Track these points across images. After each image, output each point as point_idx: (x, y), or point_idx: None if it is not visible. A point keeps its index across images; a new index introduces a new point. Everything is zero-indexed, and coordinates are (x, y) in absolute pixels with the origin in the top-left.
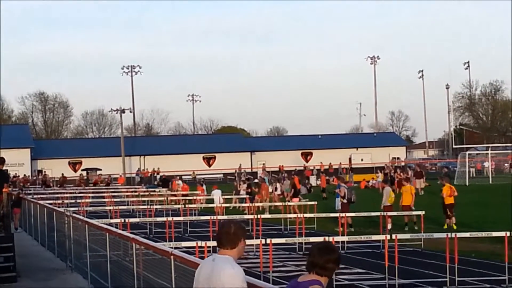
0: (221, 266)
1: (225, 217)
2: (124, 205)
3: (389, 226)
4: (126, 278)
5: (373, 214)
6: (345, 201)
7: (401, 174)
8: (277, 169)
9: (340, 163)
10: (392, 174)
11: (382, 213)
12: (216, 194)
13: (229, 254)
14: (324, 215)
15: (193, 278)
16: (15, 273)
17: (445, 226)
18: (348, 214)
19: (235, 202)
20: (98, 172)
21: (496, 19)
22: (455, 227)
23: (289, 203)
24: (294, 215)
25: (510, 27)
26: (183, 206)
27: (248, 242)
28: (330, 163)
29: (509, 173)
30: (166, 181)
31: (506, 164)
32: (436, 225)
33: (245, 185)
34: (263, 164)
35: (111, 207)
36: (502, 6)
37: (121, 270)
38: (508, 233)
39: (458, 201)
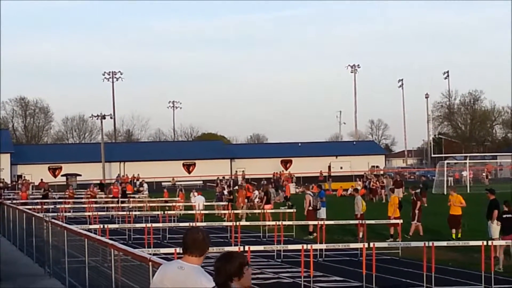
0: (198, 278)
1: (204, 224)
2: (104, 211)
3: (361, 235)
4: (104, 284)
5: (351, 222)
6: (310, 208)
7: (377, 182)
8: (256, 176)
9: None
10: (369, 182)
11: (360, 222)
12: (199, 200)
13: (196, 262)
14: (302, 222)
15: None
16: None
17: (454, 236)
18: (327, 222)
19: (217, 209)
20: (78, 177)
21: (476, 29)
22: (460, 235)
23: (263, 210)
24: (271, 223)
25: (489, 38)
26: (162, 212)
27: (226, 249)
28: (321, 171)
29: (486, 183)
30: (102, 186)
31: (483, 174)
32: (414, 234)
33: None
34: (243, 171)
35: (90, 213)
36: (482, 16)
37: (99, 276)
38: (485, 243)
39: (436, 210)
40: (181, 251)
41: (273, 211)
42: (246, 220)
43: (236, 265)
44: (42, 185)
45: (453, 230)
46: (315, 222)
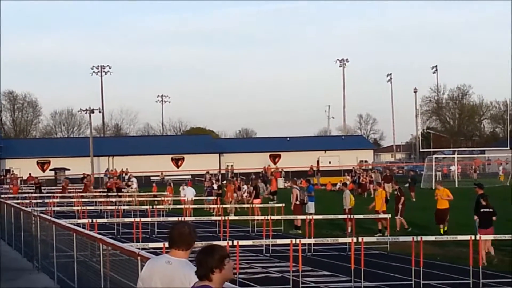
0: (185, 271)
1: (193, 218)
2: (92, 205)
3: (349, 229)
4: (93, 278)
5: (339, 216)
6: (298, 202)
7: (366, 178)
8: (245, 170)
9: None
10: (358, 177)
11: (349, 216)
12: (189, 192)
13: (183, 256)
14: (291, 217)
15: None
16: None
17: (441, 231)
18: (315, 216)
19: (206, 203)
20: (67, 172)
21: (464, 24)
22: (446, 228)
23: (253, 205)
24: (260, 217)
25: (478, 32)
26: (151, 207)
27: (215, 243)
28: (312, 166)
29: (474, 177)
30: (84, 179)
31: (472, 168)
32: (403, 229)
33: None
34: (231, 165)
35: (79, 207)
36: (471, 11)
37: (88, 271)
38: (473, 237)
39: (424, 204)
40: (168, 246)
41: (261, 205)
42: (234, 215)
43: (217, 258)
44: (30, 179)
45: (440, 226)
46: (304, 217)
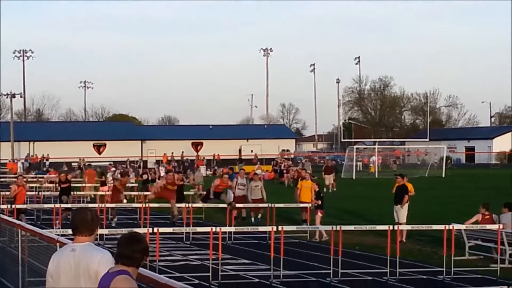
0: (90, 253)
1: (113, 205)
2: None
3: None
4: (10, 264)
5: (260, 205)
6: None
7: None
8: (168, 158)
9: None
10: (282, 167)
11: (270, 205)
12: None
13: (87, 241)
14: (212, 205)
15: None
16: None
17: None
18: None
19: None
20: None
21: (387, 15)
22: None
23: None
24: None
25: (401, 24)
26: (72, 193)
27: (135, 230)
28: (256, 154)
29: (394, 168)
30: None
31: (392, 159)
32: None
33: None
34: (182, 152)
35: None
36: (394, 2)
37: (6, 257)
38: (391, 227)
39: (344, 194)
40: (72, 233)
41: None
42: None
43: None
44: None
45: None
46: (253, 205)
